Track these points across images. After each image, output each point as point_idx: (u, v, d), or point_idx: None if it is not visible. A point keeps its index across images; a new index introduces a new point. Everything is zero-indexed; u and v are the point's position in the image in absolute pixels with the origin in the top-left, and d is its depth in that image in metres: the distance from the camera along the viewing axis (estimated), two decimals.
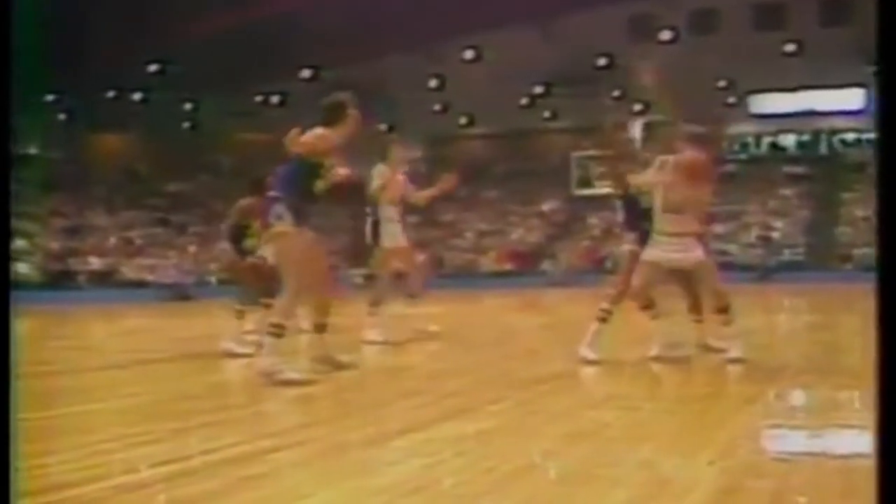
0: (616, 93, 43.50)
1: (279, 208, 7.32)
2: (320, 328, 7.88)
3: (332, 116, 7.56)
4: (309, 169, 7.38)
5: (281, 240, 7.41)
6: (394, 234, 11.11)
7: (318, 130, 7.45)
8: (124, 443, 4.80)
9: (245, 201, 10.36)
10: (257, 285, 10.44)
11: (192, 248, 38.20)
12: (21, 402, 6.08)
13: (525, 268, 39.52)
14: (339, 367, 7.79)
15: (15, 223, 37.71)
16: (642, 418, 5.73)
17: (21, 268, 33.88)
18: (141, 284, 33.35)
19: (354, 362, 7.98)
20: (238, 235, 10.37)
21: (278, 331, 7.15)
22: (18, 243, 36.07)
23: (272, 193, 7.52)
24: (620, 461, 4.32)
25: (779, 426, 5.35)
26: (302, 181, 7.35)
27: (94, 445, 4.75)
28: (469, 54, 42.42)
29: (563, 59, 42.40)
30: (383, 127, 47.74)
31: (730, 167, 42.65)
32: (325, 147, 7.44)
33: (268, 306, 10.28)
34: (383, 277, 11.34)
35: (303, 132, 7.35)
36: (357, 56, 42.85)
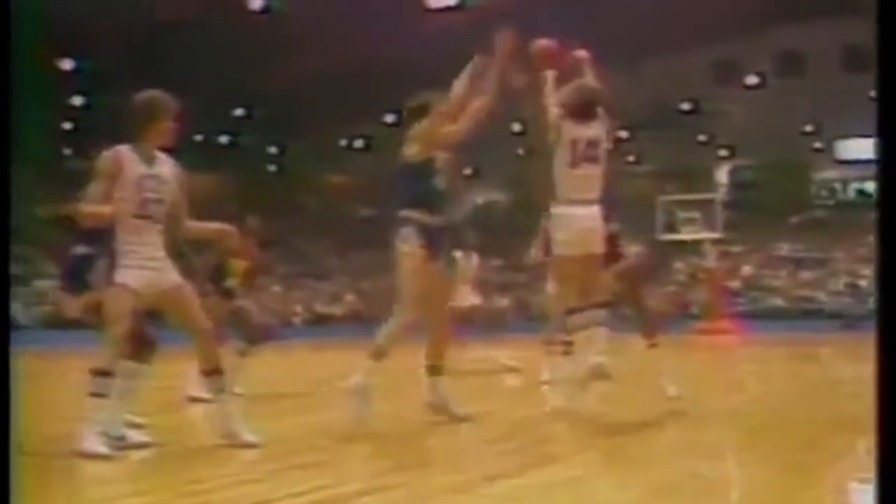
0: (701, 137, 43.30)
1: (406, 230, 6.86)
2: (434, 371, 7.31)
3: (414, 119, 7.09)
4: (420, 169, 6.91)
5: (404, 262, 6.88)
6: None
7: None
8: (220, 482, 4.87)
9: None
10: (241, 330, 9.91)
11: (276, 289, 38.57)
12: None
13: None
14: (455, 419, 7.26)
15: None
16: (734, 469, 5.68)
17: None
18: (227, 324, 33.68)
19: (471, 416, 7.37)
20: (219, 274, 9.85)
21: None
22: None
23: (402, 213, 6.95)
24: None
25: (869, 481, 5.26)
26: (420, 185, 6.90)
27: (191, 485, 4.82)
28: None
29: (648, 103, 42.33)
30: (468, 171, 47.92)
31: (817, 213, 42.15)
32: (430, 142, 6.99)
33: (243, 353, 9.77)
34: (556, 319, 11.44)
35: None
36: None
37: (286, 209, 46.24)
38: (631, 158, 47.01)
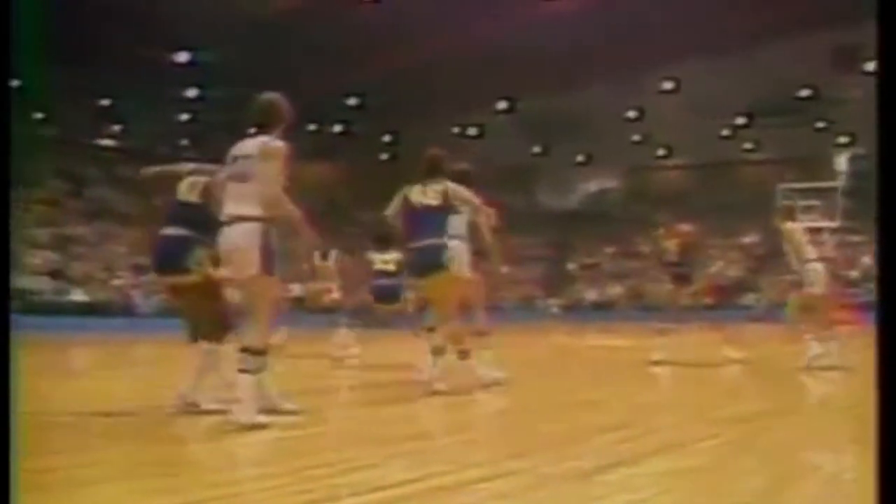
0: (820, 124, 42.41)
1: None
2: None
3: None
4: None
5: None
6: None
7: None
8: (335, 468, 4.84)
9: None
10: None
11: None
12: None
13: (725, 301, 38.79)
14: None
15: None
16: (860, 460, 5.50)
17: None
18: (333, 310, 33.88)
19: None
20: None
21: None
22: None
23: None
24: None
25: None
26: None
27: (305, 471, 4.79)
28: (668, 85, 41.90)
29: (766, 89, 41.53)
30: (580, 158, 47.67)
31: None
32: None
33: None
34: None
35: None
36: (554, 87, 42.95)
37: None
38: (749, 146, 46.27)
